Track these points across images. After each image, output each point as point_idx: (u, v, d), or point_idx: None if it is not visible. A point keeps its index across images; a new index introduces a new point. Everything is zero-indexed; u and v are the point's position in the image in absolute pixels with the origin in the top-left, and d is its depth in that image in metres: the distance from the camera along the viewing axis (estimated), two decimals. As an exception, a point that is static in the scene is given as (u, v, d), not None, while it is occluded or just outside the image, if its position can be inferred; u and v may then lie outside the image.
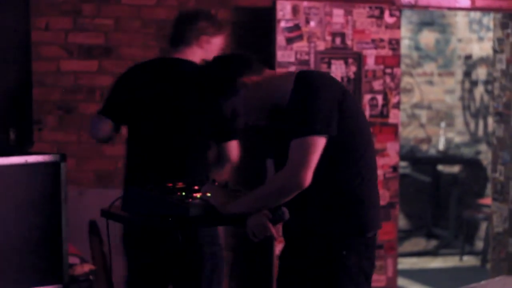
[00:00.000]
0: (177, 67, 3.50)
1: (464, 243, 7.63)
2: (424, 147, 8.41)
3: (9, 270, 2.74)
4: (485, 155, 7.97)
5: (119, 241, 3.48)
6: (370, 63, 5.24)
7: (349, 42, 5.19)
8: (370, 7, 5.23)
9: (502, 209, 6.09)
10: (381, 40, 5.25)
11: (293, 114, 2.68)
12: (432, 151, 8.36)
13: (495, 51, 6.17)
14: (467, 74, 8.27)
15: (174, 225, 2.80)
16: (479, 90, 8.12)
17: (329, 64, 5.15)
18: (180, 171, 3.39)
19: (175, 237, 3.02)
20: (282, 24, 5.05)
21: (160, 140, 3.48)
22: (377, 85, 5.27)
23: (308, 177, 2.62)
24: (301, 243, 2.79)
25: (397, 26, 5.30)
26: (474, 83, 8.18)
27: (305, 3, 5.08)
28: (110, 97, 3.57)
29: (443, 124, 8.32)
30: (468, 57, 8.23)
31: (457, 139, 8.39)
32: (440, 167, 8.31)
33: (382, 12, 5.25)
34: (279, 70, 4.77)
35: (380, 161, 5.06)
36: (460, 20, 8.26)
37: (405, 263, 7.27)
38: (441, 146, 8.26)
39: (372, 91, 5.26)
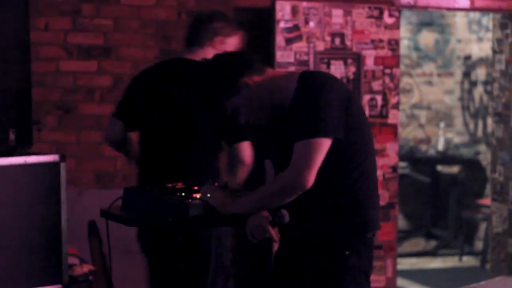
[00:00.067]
0: (186, 67, 3.52)
1: (464, 243, 7.63)
2: (423, 147, 8.40)
3: (9, 270, 2.74)
4: (485, 156, 7.97)
5: (135, 239, 3.55)
6: (369, 63, 5.24)
7: (348, 43, 5.19)
8: (369, 8, 5.23)
9: (501, 210, 6.09)
10: (380, 41, 5.25)
11: (298, 114, 2.66)
12: (432, 152, 8.35)
13: (494, 52, 6.17)
14: (466, 74, 8.27)
15: (173, 226, 2.80)
16: (479, 91, 8.12)
17: (328, 65, 5.15)
18: (191, 172, 3.39)
19: (177, 237, 3.02)
20: (282, 24, 5.05)
21: (172, 141, 3.50)
22: (376, 85, 5.27)
23: (312, 178, 2.61)
24: (301, 243, 2.79)
25: (396, 26, 5.30)
26: (474, 84, 8.18)
27: (304, 4, 5.08)
28: (122, 100, 3.63)
29: (442, 125, 8.32)
30: (467, 58, 8.23)
31: (457, 139, 8.39)
32: (439, 168, 8.30)
33: (381, 13, 5.25)
34: (280, 70, 4.76)
35: (379, 161, 5.05)
36: (459, 21, 8.26)
37: (404, 263, 7.27)
38: (441, 146, 8.26)
39: (371, 91, 5.26)
